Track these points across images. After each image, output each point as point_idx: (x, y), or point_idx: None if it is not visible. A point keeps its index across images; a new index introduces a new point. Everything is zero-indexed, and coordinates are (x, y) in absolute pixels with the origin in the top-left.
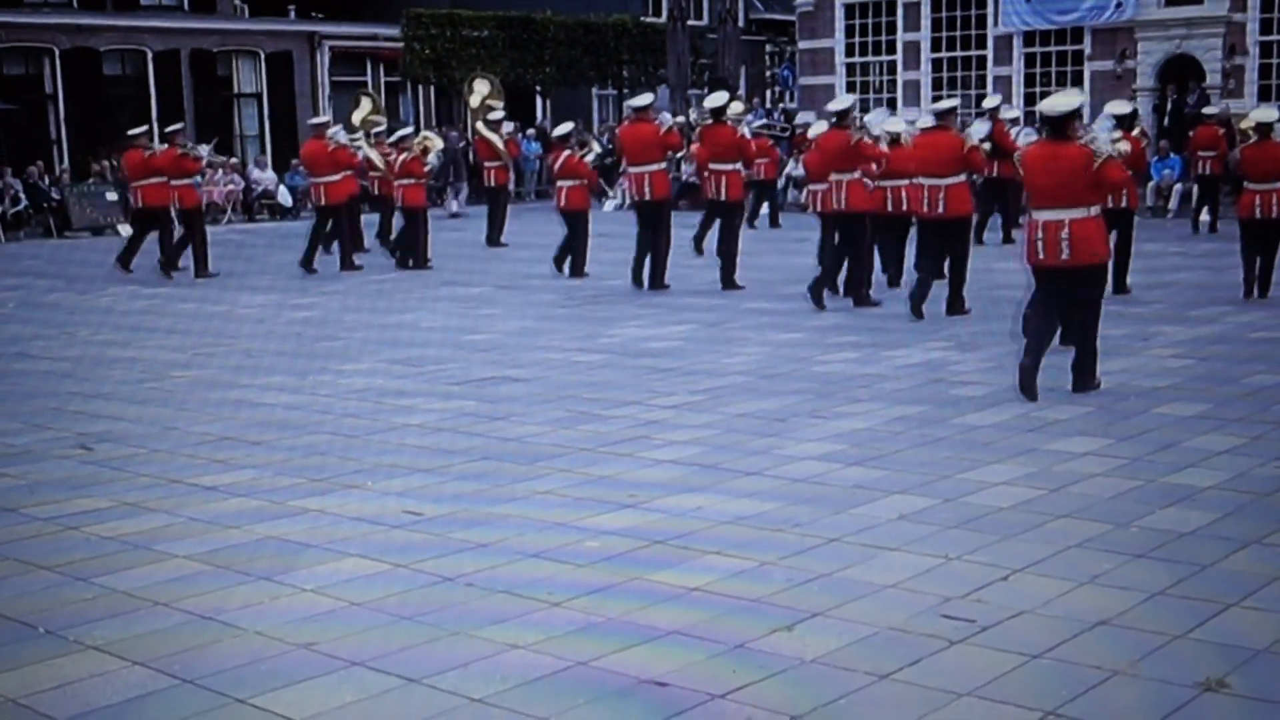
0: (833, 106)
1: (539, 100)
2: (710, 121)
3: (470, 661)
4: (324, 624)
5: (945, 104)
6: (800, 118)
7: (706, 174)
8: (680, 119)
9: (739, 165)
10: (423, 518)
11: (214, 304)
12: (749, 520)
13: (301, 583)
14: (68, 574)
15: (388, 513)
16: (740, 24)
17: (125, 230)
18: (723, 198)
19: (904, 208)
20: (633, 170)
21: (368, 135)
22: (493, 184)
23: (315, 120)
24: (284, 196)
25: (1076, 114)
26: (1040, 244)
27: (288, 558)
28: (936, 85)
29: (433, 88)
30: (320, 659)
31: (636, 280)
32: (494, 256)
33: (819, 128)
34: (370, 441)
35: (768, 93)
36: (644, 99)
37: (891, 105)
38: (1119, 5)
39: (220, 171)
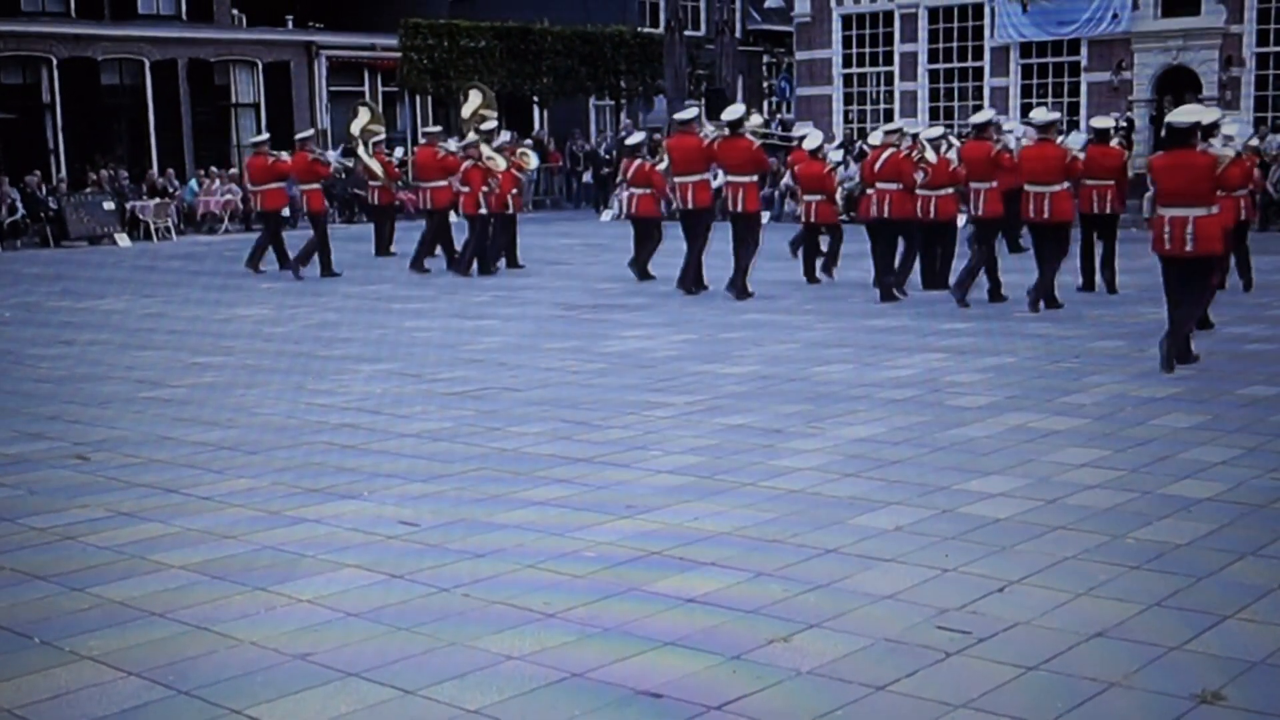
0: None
1: (536, 111)
2: (728, 133)
3: (467, 672)
4: (320, 634)
5: (1049, 117)
6: (797, 129)
7: (672, 184)
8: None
9: (755, 177)
10: (420, 527)
11: (213, 313)
12: (746, 530)
13: (298, 592)
14: (63, 583)
15: (385, 522)
16: (738, 34)
17: (123, 240)
18: (739, 209)
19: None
20: (678, 180)
21: (366, 145)
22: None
23: (429, 129)
24: None
25: (1199, 126)
26: (1167, 237)
27: (284, 567)
28: (934, 96)
29: (430, 98)
30: (316, 669)
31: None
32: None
33: (814, 139)
34: (367, 451)
35: (765, 103)
36: (689, 113)
37: (889, 117)
38: (1114, 17)
39: (218, 182)
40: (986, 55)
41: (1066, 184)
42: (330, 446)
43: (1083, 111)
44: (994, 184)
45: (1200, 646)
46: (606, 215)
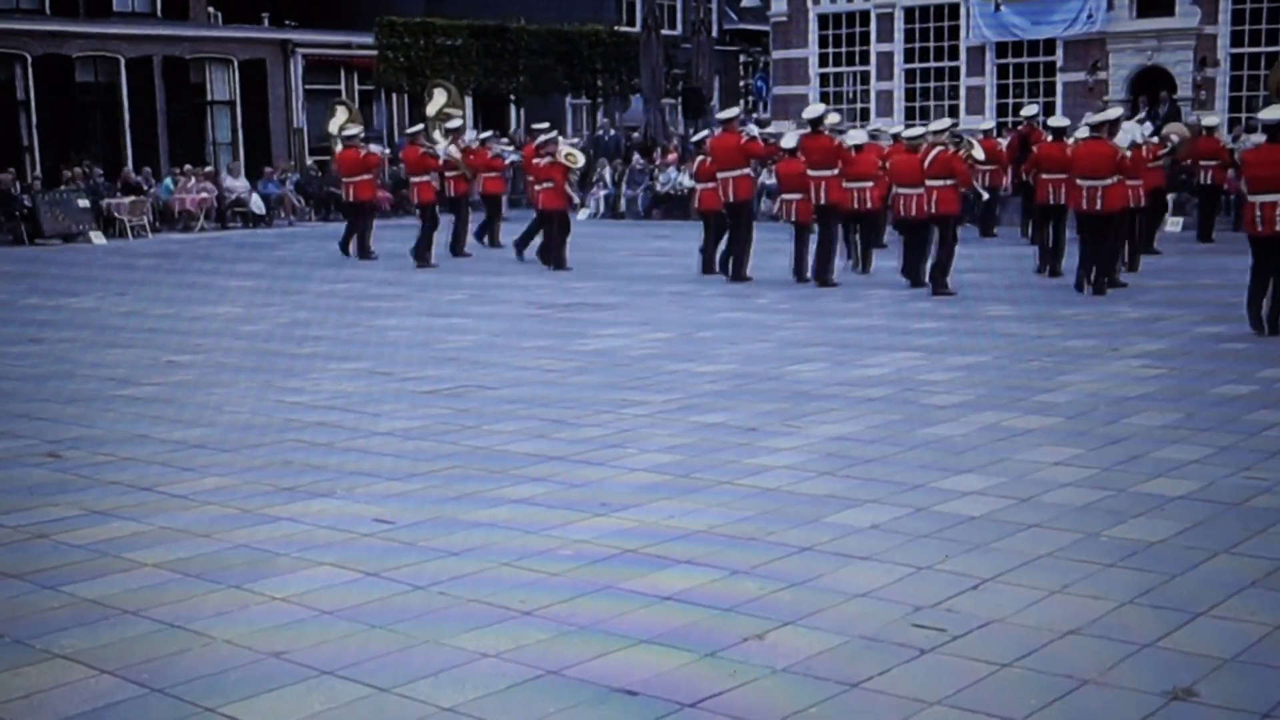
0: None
1: (512, 109)
2: (809, 131)
3: (441, 670)
4: (295, 632)
5: (1106, 115)
6: (774, 127)
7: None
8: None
9: (836, 171)
10: (394, 525)
11: (187, 311)
12: (721, 528)
13: (272, 590)
14: (36, 582)
15: (359, 520)
16: (714, 34)
17: (98, 238)
18: (824, 201)
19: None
20: (720, 175)
21: (344, 143)
22: (452, 194)
23: (413, 129)
24: (256, 204)
25: None
26: (1259, 220)
27: (258, 565)
28: (909, 96)
29: (406, 96)
30: (291, 667)
31: (713, 268)
32: (457, 267)
33: (791, 139)
34: (341, 449)
35: (741, 102)
36: (730, 112)
37: (865, 116)
38: (1089, 17)
39: (193, 179)
40: (962, 55)
41: (1117, 178)
42: (303, 445)
43: (1058, 111)
44: (1111, 180)
45: (1173, 643)
46: (583, 214)
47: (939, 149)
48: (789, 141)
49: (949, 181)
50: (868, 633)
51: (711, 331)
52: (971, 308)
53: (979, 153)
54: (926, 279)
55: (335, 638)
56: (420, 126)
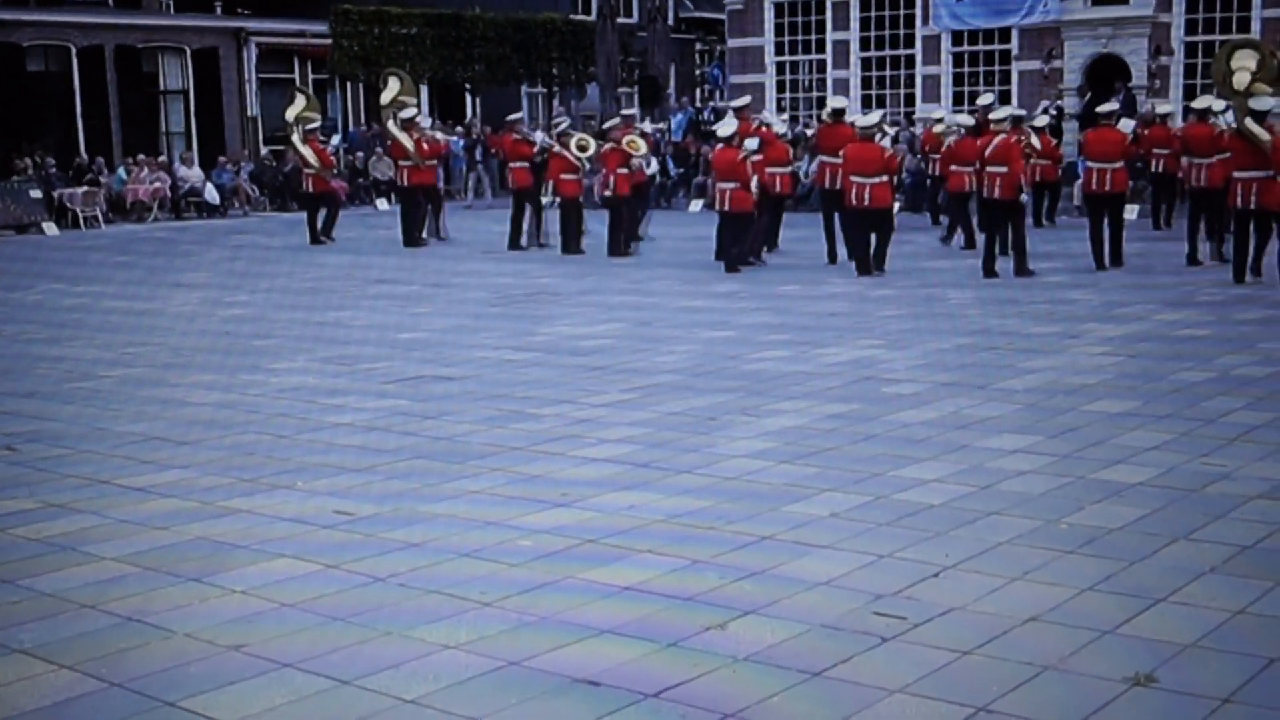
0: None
1: (468, 98)
2: (831, 122)
3: (402, 662)
4: (254, 625)
5: (1107, 107)
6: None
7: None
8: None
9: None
10: (354, 517)
11: (143, 302)
12: (682, 518)
13: (231, 584)
14: None
15: (319, 513)
16: (670, 22)
17: (51, 229)
18: (867, 203)
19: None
20: (720, 185)
21: (302, 132)
22: (406, 183)
23: (512, 116)
24: (211, 194)
25: None
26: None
27: (217, 559)
28: (866, 84)
29: (361, 85)
30: (251, 660)
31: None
32: (418, 255)
33: (728, 126)
34: (301, 441)
35: (697, 91)
36: (741, 102)
37: (821, 104)
38: (1045, 6)
39: (146, 169)
40: (918, 43)
41: (1123, 163)
42: (262, 437)
43: (1013, 99)
44: (1214, 159)
45: (1134, 629)
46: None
47: (1001, 136)
48: (725, 129)
49: (1005, 168)
50: (829, 621)
51: (670, 321)
52: (932, 295)
53: (1035, 141)
54: (875, 267)
55: (296, 631)
56: (519, 114)
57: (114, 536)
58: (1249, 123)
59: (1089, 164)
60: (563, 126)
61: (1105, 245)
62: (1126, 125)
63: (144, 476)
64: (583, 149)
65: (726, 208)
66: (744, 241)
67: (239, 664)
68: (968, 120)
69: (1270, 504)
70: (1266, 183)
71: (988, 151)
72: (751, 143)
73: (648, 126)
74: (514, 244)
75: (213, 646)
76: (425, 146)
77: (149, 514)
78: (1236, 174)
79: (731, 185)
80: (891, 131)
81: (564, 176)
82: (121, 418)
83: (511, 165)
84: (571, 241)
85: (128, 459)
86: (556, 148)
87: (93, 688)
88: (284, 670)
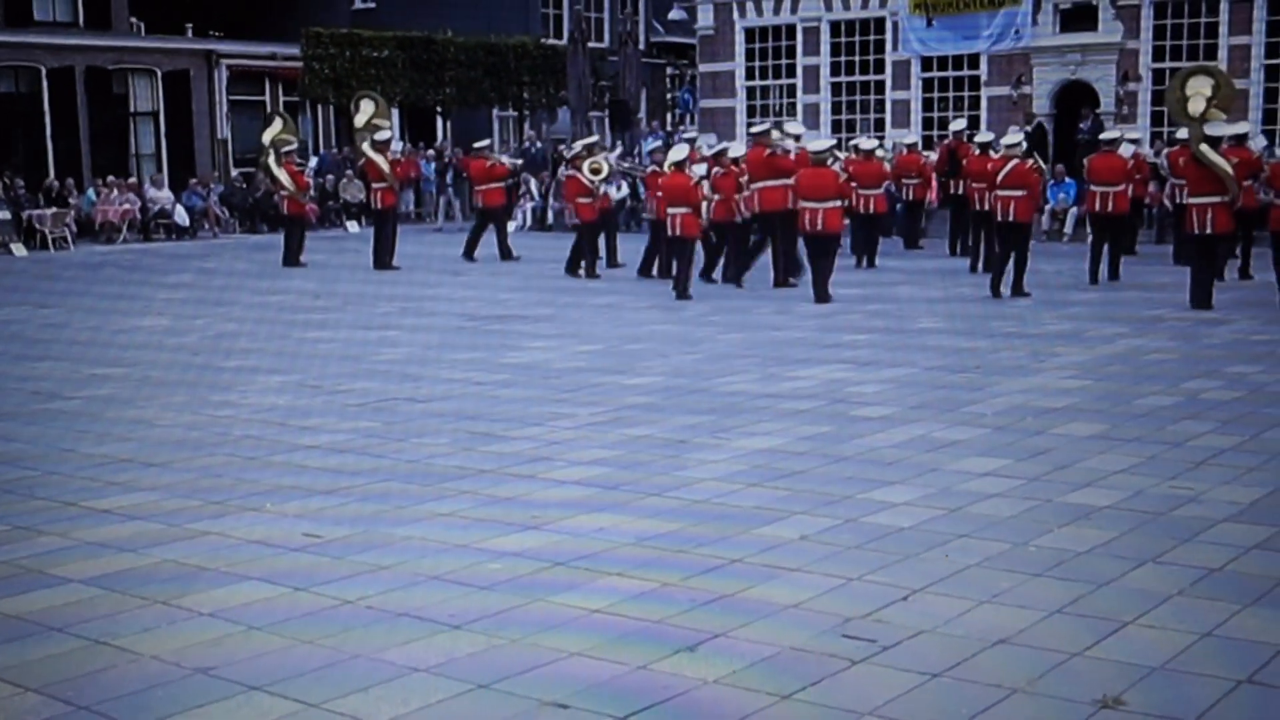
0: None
1: (439, 121)
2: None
3: (372, 684)
4: (222, 647)
5: (1111, 134)
6: (701, 140)
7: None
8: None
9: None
10: (323, 540)
11: (113, 322)
12: (651, 541)
13: (199, 607)
14: None
15: (288, 536)
16: (641, 47)
17: (19, 250)
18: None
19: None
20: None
21: (277, 155)
22: (379, 206)
23: (478, 144)
24: (180, 216)
25: None
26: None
27: (185, 581)
28: (836, 109)
29: (332, 107)
30: (219, 683)
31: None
32: (387, 279)
33: (680, 152)
34: (270, 463)
35: (668, 115)
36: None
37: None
38: (1016, 33)
39: (116, 191)
40: (888, 69)
41: (1126, 185)
42: (231, 459)
43: (983, 125)
44: (1121, 186)
45: (1101, 653)
46: (511, 226)
47: (1014, 161)
48: (676, 155)
49: (1022, 192)
50: (798, 644)
51: (640, 344)
52: (900, 320)
53: (1044, 165)
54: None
55: (264, 652)
56: (486, 142)
57: (80, 558)
58: (1204, 148)
59: (1093, 187)
60: (576, 149)
61: (1103, 263)
62: (1128, 150)
63: (112, 499)
64: (596, 172)
65: (677, 232)
66: (687, 266)
67: (207, 686)
68: (912, 138)
69: (1237, 527)
70: (1219, 208)
71: (1000, 176)
72: (699, 168)
73: (613, 156)
74: (469, 255)
75: (180, 669)
76: (398, 169)
77: (116, 537)
78: (1191, 200)
79: (682, 210)
80: (883, 154)
81: (580, 200)
82: (88, 439)
83: (480, 188)
84: (578, 266)
85: (94, 481)
86: (567, 170)
87: (60, 711)
88: (252, 693)
